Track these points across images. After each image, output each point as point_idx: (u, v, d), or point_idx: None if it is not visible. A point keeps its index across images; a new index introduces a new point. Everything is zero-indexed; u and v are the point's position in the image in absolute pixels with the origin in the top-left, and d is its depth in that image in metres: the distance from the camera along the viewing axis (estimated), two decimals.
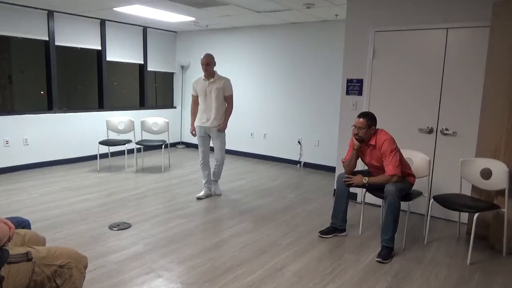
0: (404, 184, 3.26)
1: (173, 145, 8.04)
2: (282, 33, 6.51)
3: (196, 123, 4.53)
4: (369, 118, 3.26)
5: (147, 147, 7.11)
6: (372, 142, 3.28)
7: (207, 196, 4.62)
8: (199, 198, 4.54)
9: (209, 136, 4.55)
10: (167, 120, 6.14)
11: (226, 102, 4.47)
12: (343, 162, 3.50)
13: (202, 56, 4.35)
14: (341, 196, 3.48)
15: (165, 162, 6.36)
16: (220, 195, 4.72)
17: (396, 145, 3.22)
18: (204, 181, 4.65)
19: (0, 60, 6.61)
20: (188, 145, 8.09)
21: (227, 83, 4.42)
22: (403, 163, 3.28)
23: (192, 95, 4.58)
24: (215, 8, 5.28)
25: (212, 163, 4.59)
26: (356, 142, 3.33)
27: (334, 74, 5.94)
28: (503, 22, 3.23)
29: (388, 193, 3.13)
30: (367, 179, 3.28)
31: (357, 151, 3.37)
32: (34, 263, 1.73)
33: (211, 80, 4.36)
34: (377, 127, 3.33)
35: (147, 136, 6.37)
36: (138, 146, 6.00)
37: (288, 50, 6.49)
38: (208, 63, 4.31)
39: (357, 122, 3.29)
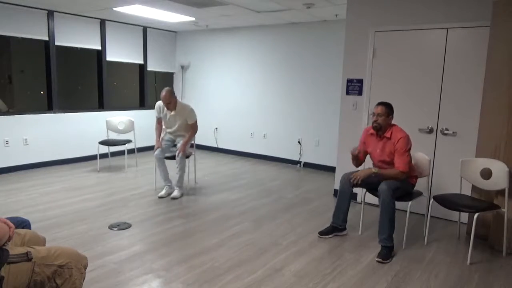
0: (402, 183, 3.26)
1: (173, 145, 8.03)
2: (282, 33, 6.51)
3: (165, 137, 4.76)
4: (387, 106, 3.35)
5: (147, 147, 7.11)
6: (387, 134, 3.32)
7: (168, 194, 4.58)
8: (161, 197, 4.51)
9: (173, 144, 4.80)
10: None
11: (191, 127, 4.65)
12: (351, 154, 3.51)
13: (163, 94, 4.38)
14: (343, 196, 3.48)
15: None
16: (177, 198, 4.52)
17: (411, 145, 3.27)
18: (163, 180, 4.65)
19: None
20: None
21: (190, 113, 4.60)
22: (409, 164, 3.30)
23: (156, 117, 4.74)
24: (215, 8, 5.28)
25: (175, 170, 4.57)
26: (355, 152, 3.43)
27: (334, 74, 5.94)
28: (503, 22, 3.23)
29: (381, 192, 3.14)
30: (377, 169, 3.30)
31: (358, 155, 3.46)
32: (34, 263, 1.73)
33: (172, 113, 4.55)
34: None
35: None
36: (138, 146, 6.00)
37: (288, 50, 6.49)
38: (169, 102, 4.42)
39: (376, 109, 3.35)
